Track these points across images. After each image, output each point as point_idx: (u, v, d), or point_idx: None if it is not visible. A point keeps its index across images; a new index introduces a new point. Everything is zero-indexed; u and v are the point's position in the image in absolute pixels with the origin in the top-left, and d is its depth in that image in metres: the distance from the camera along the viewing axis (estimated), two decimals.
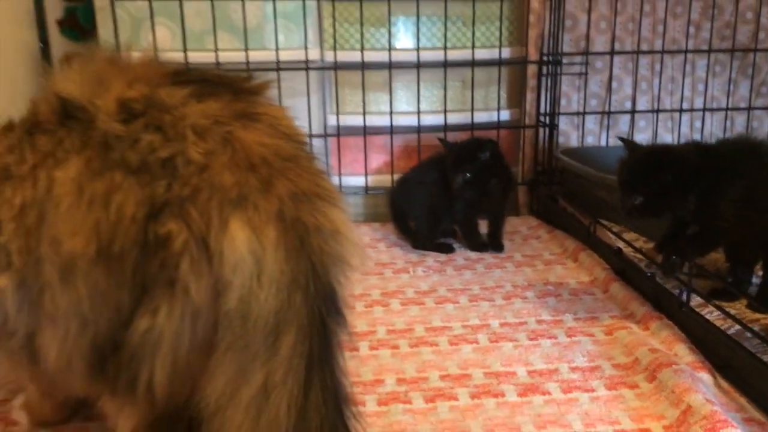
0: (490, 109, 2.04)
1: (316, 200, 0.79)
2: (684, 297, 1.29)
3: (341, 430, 0.77)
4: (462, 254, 1.76)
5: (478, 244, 1.77)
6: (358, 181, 2.03)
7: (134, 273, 0.75)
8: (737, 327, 1.21)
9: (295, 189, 0.78)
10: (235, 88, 0.83)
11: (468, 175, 1.65)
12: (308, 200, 0.78)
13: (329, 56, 1.95)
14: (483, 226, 1.81)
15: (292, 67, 1.87)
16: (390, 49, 1.95)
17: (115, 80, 0.81)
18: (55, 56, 2.18)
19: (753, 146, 1.29)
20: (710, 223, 1.25)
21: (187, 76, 0.85)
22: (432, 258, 1.73)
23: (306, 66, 1.88)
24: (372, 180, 2.04)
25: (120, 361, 0.78)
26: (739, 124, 2.15)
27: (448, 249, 1.77)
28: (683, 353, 1.19)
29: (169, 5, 1.80)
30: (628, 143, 1.36)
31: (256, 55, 1.85)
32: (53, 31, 2.17)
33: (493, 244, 1.77)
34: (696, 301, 1.32)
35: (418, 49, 1.95)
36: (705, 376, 1.12)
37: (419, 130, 1.99)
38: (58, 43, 2.18)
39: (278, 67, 1.85)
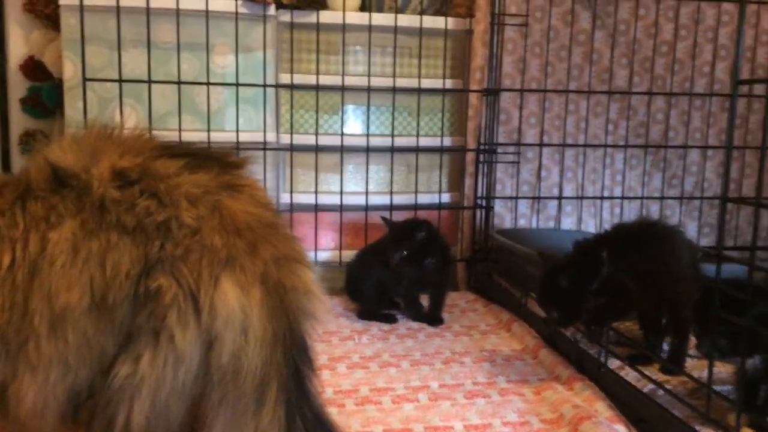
0: (432, 191, 2.22)
1: (293, 263, 0.91)
2: (603, 359, 1.43)
3: None
4: (405, 324, 1.87)
5: (419, 316, 1.89)
6: (308, 255, 2.14)
7: (122, 323, 0.84)
8: (650, 386, 1.36)
9: (276, 253, 0.89)
10: (221, 162, 0.96)
11: (405, 252, 1.79)
12: (287, 263, 0.90)
13: (284, 139, 2.10)
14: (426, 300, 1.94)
15: (250, 147, 2.01)
16: (342, 134, 2.12)
17: (107, 151, 0.92)
18: (14, 133, 2.28)
19: (648, 227, 1.49)
20: (617, 295, 1.42)
21: (177, 149, 0.97)
22: (376, 327, 1.84)
23: (264, 147, 2.03)
24: (321, 255, 2.16)
25: (95, 406, 0.85)
26: (653, 212, 2.38)
27: (391, 319, 1.88)
28: (602, 409, 1.32)
29: (134, 87, 1.93)
30: (541, 256, 1.51)
31: (216, 136, 1.99)
32: (15, 108, 2.27)
33: (432, 318, 1.89)
34: (615, 364, 1.46)
35: (368, 135, 2.13)
36: (621, 428, 1.25)
37: (367, 209, 2.14)
38: (19, 120, 2.28)
39: (237, 147, 1.98)
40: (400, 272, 1.83)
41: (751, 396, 1.19)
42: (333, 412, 1.32)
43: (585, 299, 1.38)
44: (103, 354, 0.84)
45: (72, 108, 1.96)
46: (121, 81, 1.86)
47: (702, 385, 1.21)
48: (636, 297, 1.43)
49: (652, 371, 1.45)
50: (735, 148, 2.34)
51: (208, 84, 1.96)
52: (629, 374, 1.42)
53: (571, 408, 1.31)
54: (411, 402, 1.39)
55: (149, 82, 1.87)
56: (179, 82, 1.93)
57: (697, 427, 1.17)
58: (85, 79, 1.84)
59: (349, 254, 2.09)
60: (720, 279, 1.13)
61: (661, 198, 2.36)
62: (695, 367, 1.46)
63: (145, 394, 0.83)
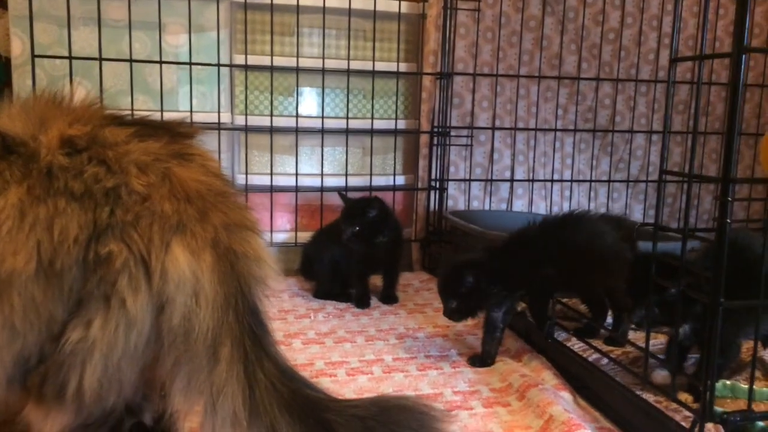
0: (387, 173, 2.25)
1: (244, 230, 0.92)
2: (550, 331, 1.49)
3: (304, 392, 0.89)
4: None
5: (363, 299, 1.89)
6: (264, 236, 2.15)
7: (71, 288, 0.83)
8: (595, 356, 1.42)
9: (227, 220, 0.90)
10: (171, 132, 0.96)
11: (356, 228, 1.81)
12: (238, 230, 0.91)
13: (239, 120, 2.10)
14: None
15: (205, 127, 2.00)
16: (297, 115, 2.13)
17: (56, 120, 0.91)
18: None
19: (563, 218, 1.56)
20: (538, 285, 1.50)
21: (126, 119, 0.97)
22: (332, 306, 1.86)
23: (218, 126, 2.02)
24: (277, 236, 2.17)
25: (47, 372, 0.86)
26: (602, 194, 2.46)
27: (345, 298, 1.90)
28: (549, 378, 1.37)
29: (85, 65, 1.90)
30: (446, 257, 1.56)
31: (170, 116, 1.97)
32: None
33: (386, 297, 1.92)
34: (562, 336, 1.52)
35: (322, 117, 2.15)
36: (566, 395, 1.30)
37: (322, 190, 2.15)
38: None
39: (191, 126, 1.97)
40: (353, 250, 1.85)
41: (682, 361, 1.26)
42: None
43: (485, 293, 1.45)
44: (52, 320, 0.84)
45: (20, 86, 1.92)
46: (71, 58, 1.83)
47: (643, 352, 1.27)
48: (560, 283, 1.50)
49: (598, 343, 1.50)
50: (674, 133, 2.43)
51: (160, 63, 1.94)
52: (575, 345, 1.48)
53: (519, 377, 1.36)
54: (365, 374, 1.42)
55: (100, 59, 1.85)
56: (131, 60, 1.91)
57: (638, 392, 1.23)
58: (33, 56, 1.80)
59: (304, 235, 2.10)
60: (653, 252, 1.18)
61: (609, 181, 2.44)
62: (638, 338, 1.52)
63: (97, 358, 0.83)
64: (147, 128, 0.95)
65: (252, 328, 0.88)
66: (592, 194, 2.43)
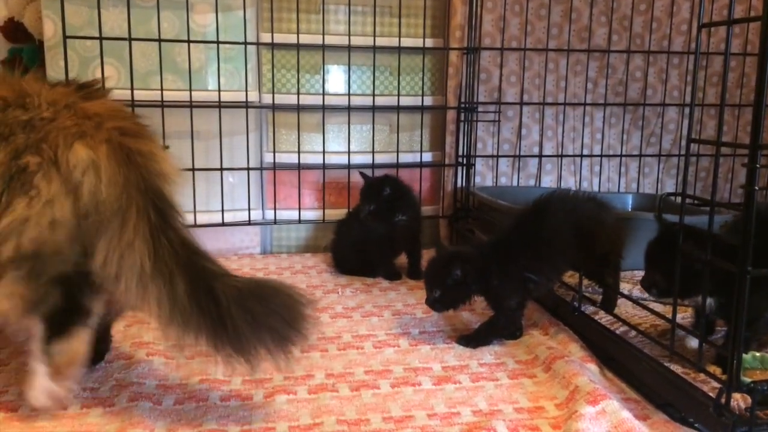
0: (414, 150, 2.25)
1: (137, 137, 1.13)
2: (577, 304, 1.48)
3: (200, 264, 1.06)
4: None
5: (391, 274, 1.93)
6: (292, 214, 2.18)
7: (1, 194, 1.06)
8: (622, 328, 1.41)
9: (121, 126, 1.12)
10: (79, 85, 1.19)
11: (372, 207, 1.83)
12: (131, 135, 1.12)
13: (266, 98, 2.12)
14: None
15: (233, 105, 2.03)
16: (323, 93, 2.14)
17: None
18: None
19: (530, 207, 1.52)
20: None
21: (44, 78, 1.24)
22: (359, 281, 1.88)
23: (246, 105, 2.04)
24: (305, 214, 2.19)
25: None
26: (633, 169, 2.42)
27: (371, 274, 1.92)
28: (575, 350, 1.37)
29: (116, 46, 1.93)
30: (437, 248, 1.55)
31: (199, 96, 2.00)
32: None
33: (413, 272, 1.93)
34: (589, 310, 1.51)
35: (349, 94, 2.15)
36: (592, 367, 1.30)
37: (349, 168, 2.16)
38: None
39: (219, 105, 2.00)
40: (374, 232, 1.87)
41: (708, 332, 1.25)
42: (316, 357, 1.38)
43: (470, 286, 1.42)
44: None
45: (53, 68, 1.96)
46: (101, 39, 1.86)
47: (670, 323, 1.26)
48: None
49: (626, 316, 1.49)
50: (706, 106, 2.38)
51: (188, 42, 1.96)
52: (602, 318, 1.47)
53: (545, 349, 1.36)
54: (392, 347, 1.43)
55: (129, 39, 1.87)
56: (159, 40, 1.93)
57: (665, 363, 1.22)
58: (65, 37, 1.83)
59: (332, 213, 2.12)
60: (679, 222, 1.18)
61: (640, 156, 2.40)
62: (667, 311, 1.51)
63: (31, 227, 1.04)
64: (59, 82, 1.22)
65: (155, 202, 1.07)
66: (623, 169, 2.40)
